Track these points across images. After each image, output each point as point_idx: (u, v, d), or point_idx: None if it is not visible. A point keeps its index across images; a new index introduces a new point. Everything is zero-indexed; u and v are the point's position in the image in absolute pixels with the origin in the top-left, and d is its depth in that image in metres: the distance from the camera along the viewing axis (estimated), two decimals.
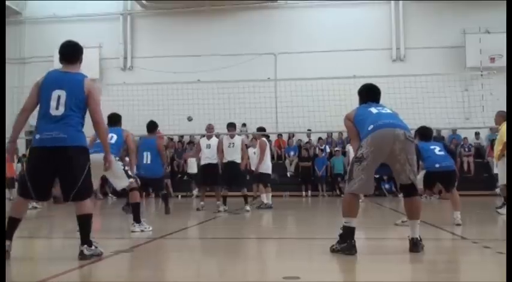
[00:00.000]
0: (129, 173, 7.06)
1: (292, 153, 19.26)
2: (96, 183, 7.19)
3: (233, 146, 10.94)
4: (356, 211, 4.88)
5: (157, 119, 16.82)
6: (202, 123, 12.95)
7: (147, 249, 5.63)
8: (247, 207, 10.87)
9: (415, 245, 4.86)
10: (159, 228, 7.43)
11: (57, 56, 17.09)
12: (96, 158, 6.89)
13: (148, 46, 21.30)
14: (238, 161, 10.97)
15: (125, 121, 8.26)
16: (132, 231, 6.80)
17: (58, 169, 4.52)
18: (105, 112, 7.78)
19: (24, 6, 22.24)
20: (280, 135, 19.52)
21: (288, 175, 18.83)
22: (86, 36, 21.05)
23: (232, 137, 11.13)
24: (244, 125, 18.88)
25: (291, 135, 19.54)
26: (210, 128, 11.71)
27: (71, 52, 4.96)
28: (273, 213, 10.99)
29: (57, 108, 4.52)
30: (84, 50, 19.67)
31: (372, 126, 4.86)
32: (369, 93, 5.40)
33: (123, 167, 6.99)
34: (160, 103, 17.13)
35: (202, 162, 11.37)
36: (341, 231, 4.84)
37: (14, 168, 17.17)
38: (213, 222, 8.83)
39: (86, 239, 4.58)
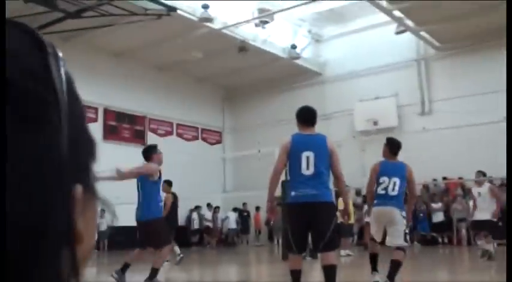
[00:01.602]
0: (407, 237, 6.51)
1: None
2: (379, 236, 6.86)
3: (479, 195, 10.31)
4: None
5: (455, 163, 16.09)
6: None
7: None
8: None
9: None
10: None
11: (358, 110, 17.91)
12: (381, 210, 6.61)
13: (446, 88, 20.56)
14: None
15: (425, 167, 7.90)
16: None
17: (311, 222, 4.94)
18: (405, 158, 7.57)
19: (324, 67, 24.05)
20: None
21: None
22: (382, 87, 21.61)
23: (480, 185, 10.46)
24: None
25: None
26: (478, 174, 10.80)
27: (312, 116, 5.54)
28: None
29: (307, 168, 4.94)
30: (381, 100, 20.38)
31: None
32: None
33: (405, 227, 6.48)
34: (459, 146, 16.25)
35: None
36: None
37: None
38: None
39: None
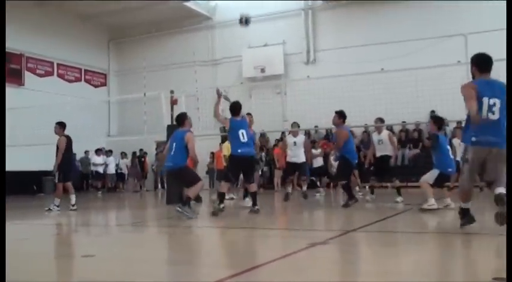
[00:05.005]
0: None
1: None
2: None
3: (382, 142, 10.97)
4: None
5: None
6: (389, 111, 12.56)
7: (342, 242, 5.56)
8: (398, 199, 10.68)
9: None
10: (351, 220, 7.32)
11: (246, 57, 18.08)
12: None
13: (331, 38, 21.32)
14: (390, 154, 11.00)
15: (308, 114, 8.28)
16: None
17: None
18: (290, 105, 7.87)
19: (214, 11, 23.75)
20: None
21: None
22: (270, 34, 21.88)
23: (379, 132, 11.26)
24: (433, 111, 17.96)
25: None
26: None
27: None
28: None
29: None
30: (269, 48, 20.52)
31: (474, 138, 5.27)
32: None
33: None
34: (345, 94, 17.04)
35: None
36: None
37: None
38: (403, 215, 8.49)
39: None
